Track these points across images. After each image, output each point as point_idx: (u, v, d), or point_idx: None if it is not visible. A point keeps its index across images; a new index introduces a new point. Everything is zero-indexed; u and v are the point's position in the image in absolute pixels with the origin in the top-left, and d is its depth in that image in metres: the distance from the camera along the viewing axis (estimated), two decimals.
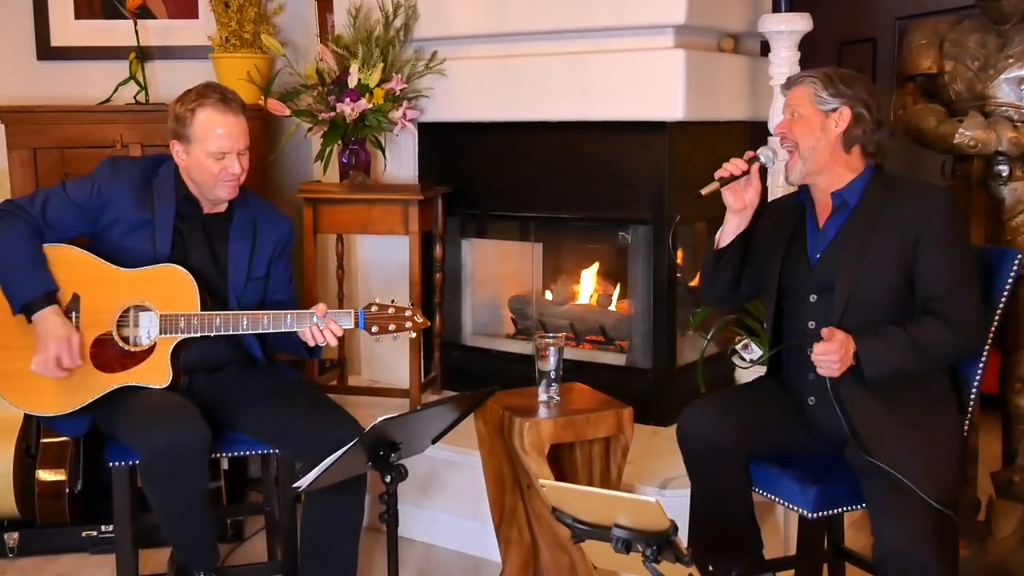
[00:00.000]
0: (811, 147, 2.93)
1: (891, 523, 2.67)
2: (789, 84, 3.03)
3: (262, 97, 4.42)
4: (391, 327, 3.21)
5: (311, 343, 3.22)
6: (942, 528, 2.69)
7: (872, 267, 2.88)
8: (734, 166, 3.03)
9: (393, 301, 3.24)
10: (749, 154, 3.05)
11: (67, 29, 4.87)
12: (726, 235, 3.13)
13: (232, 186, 3.29)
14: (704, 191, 3.03)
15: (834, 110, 2.92)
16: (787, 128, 2.98)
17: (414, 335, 3.32)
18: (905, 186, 2.96)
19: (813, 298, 3.00)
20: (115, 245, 3.25)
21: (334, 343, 3.23)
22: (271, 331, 3.21)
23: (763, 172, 3.11)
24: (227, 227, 3.38)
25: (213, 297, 3.27)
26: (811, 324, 2.98)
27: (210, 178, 3.26)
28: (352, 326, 3.21)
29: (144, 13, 4.82)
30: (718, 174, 3.04)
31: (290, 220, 3.54)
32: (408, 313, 3.22)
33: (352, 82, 4.18)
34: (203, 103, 3.24)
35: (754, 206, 3.08)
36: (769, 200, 3.34)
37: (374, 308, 3.21)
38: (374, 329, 3.20)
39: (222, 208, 3.39)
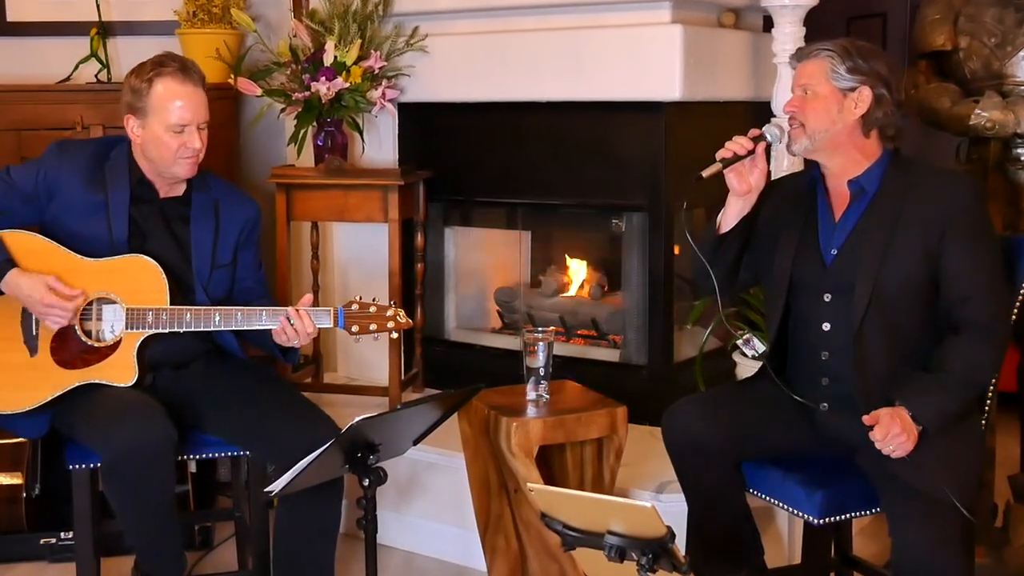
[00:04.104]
0: (824, 130, 2.86)
1: (912, 529, 2.66)
2: (800, 56, 2.95)
3: (232, 75, 4.40)
4: (372, 327, 3.19)
5: (284, 343, 3.21)
6: (963, 534, 2.69)
7: (895, 262, 2.83)
8: (738, 145, 2.94)
9: (375, 299, 3.22)
10: (754, 132, 2.98)
11: (24, 3, 4.83)
12: (728, 219, 3.04)
13: (191, 163, 3.27)
14: (705, 173, 2.94)
15: (852, 89, 2.85)
16: (798, 107, 2.90)
17: (396, 335, 3.31)
18: (927, 172, 2.91)
19: (828, 297, 2.94)
20: (69, 232, 3.23)
21: (306, 341, 3.22)
22: (244, 328, 3.21)
23: (768, 150, 3.05)
24: (186, 211, 3.37)
25: (178, 285, 3.26)
26: (826, 326, 2.94)
27: (168, 154, 3.23)
28: (331, 325, 3.19)
29: None
30: (720, 154, 2.95)
31: (256, 203, 3.52)
32: (390, 312, 3.20)
33: (328, 60, 4.16)
34: (161, 73, 3.22)
35: (759, 188, 2.99)
36: (773, 178, 3.29)
37: (355, 307, 3.19)
38: (354, 329, 3.19)
39: (179, 191, 3.37)
